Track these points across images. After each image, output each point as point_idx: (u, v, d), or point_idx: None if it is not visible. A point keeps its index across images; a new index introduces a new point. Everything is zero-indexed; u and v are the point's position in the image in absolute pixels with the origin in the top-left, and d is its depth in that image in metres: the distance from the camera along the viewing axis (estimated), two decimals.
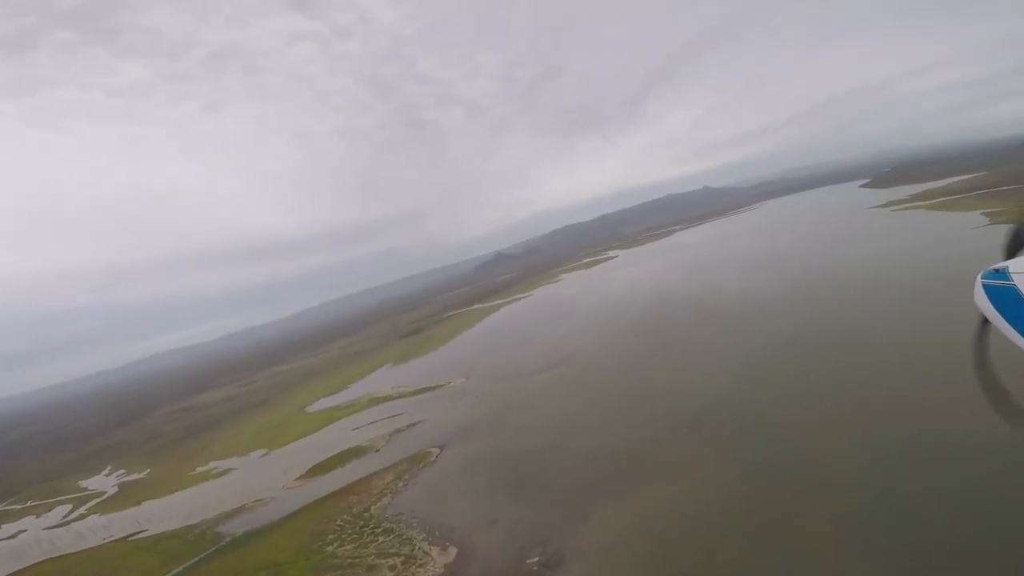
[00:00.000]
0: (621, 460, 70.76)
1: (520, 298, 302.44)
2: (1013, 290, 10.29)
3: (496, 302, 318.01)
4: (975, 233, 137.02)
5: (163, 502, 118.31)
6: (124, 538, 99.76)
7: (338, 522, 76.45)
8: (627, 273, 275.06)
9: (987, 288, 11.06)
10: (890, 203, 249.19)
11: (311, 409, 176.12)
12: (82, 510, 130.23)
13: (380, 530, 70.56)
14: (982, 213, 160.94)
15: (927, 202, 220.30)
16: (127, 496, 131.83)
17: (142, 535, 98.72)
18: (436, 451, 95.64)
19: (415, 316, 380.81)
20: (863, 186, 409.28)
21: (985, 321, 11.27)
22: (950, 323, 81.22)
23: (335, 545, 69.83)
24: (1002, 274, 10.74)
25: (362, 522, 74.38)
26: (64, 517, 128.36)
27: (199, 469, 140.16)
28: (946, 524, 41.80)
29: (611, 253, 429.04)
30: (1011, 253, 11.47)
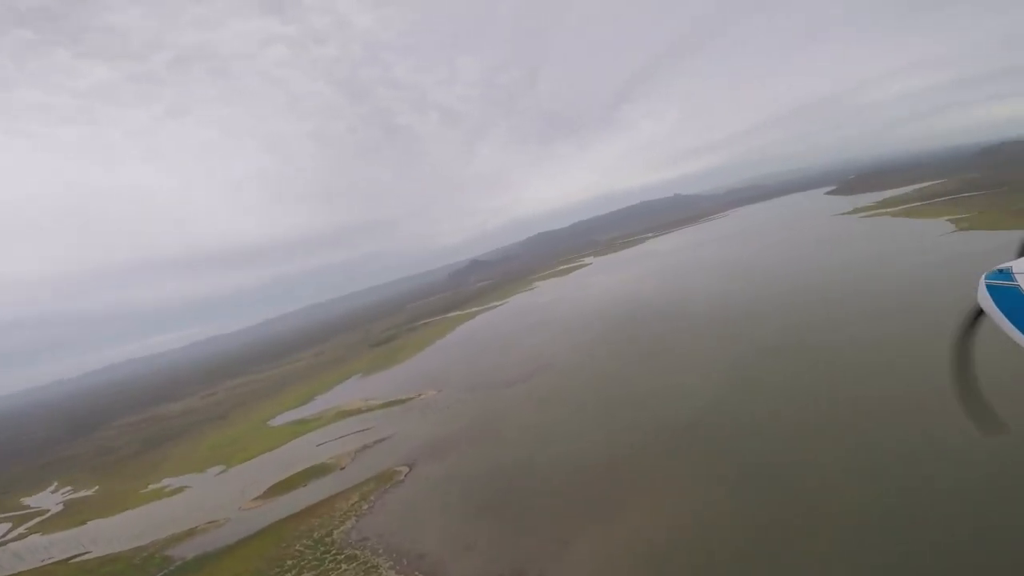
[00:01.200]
0: (603, 477, 67.35)
1: (495, 306, 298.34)
2: (1017, 290, 10.08)
3: (471, 310, 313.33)
4: (944, 240, 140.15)
5: (111, 522, 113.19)
6: (66, 560, 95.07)
7: (297, 547, 72.11)
8: (601, 280, 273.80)
9: (991, 288, 10.74)
10: (857, 209, 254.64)
11: (274, 423, 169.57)
12: (22, 529, 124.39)
13: (343, 557, 66.28)
14: (947, 220, 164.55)
15: (893, 208, 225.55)
16: (72, 514, 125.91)
17: (85, 557, 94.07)
18: (405, 469, 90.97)
19: (388, 324, 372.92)
20: (829, 193, 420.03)
21: (973, 321, 11.06)
22: (931, 326, 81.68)
23: (293, 572, 65.73)
24: (1006, 274, 10.49)
25: (323, 547, 70.02)
26: (2, 536, 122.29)
27: (151, 486, 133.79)
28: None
29: (585, 260, 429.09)
30: None
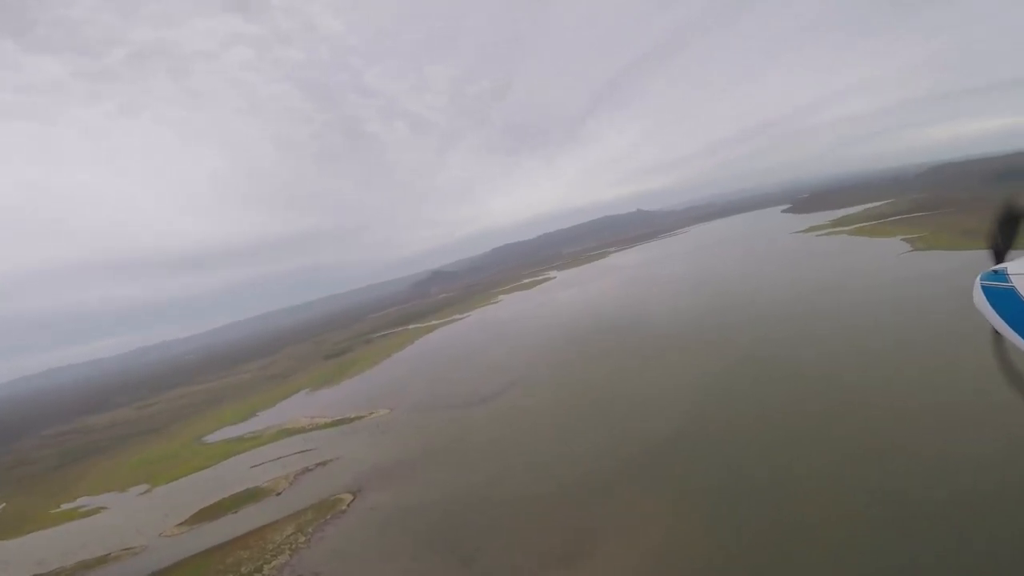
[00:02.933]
0: (569, 511, 61.15)
1: (457, 319, 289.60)
2: (1012, 291, 10.20)
3: (432, 322, 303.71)
4: (904, 259, 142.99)
5: (12, 545, 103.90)
6: None
7: None
8: (566, 295, 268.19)
9: (986, 290, 10.91)
10: (812, 228, 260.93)
11: (210, 439, 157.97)
12: None
13: None
14: (902, 239, 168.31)
15: (847, 227, 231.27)
16: None
17: None
18: (349, 498, 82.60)
19: (343, 336, 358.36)
20: (785, 211, 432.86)
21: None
22: (908, 342, 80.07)
23: None
24: (1001, 275, 10.60)
25: None
26: None
27: (65, 506, 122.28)
28: None
29: (550, 274, 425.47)
30: (1002, 233, 10.87)
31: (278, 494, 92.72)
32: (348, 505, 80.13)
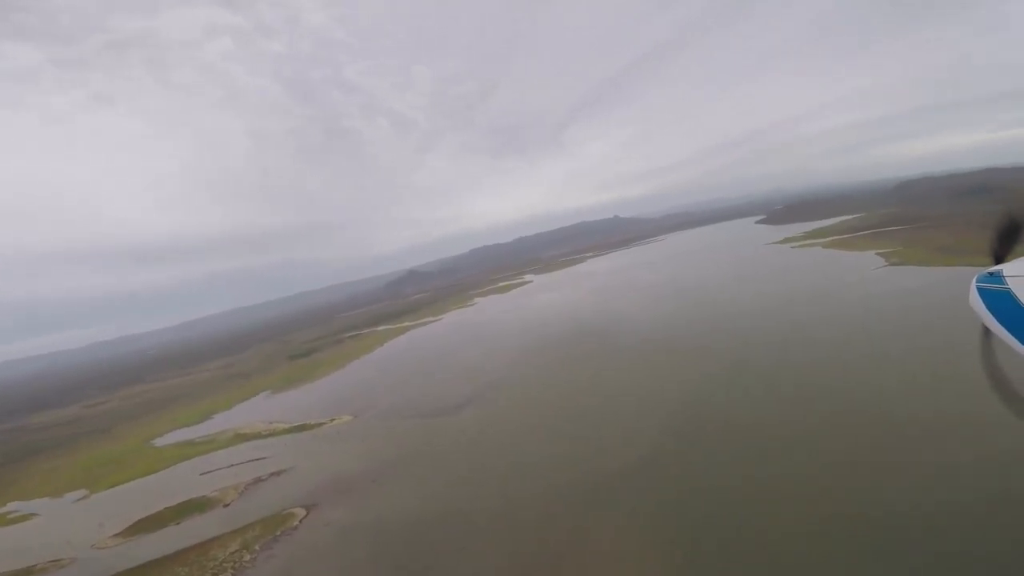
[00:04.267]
0: (540, 537, 56.56)
1: (430, 321, 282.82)
2: (1008, 294, 10.16)
3: (403, 324, 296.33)
4: (880, 273, 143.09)
5: None
6: None
7: None
8: (542, 300, 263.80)
9: (981, 292, 10.96)
10: (787, 240, 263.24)
11: (160, 442, 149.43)
12: None
13: None
14: (876, 253, 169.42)
15: (822, 240, 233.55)
16: None
17: None
18: (302, 513, 76.91)
19: (311, 335, 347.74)
20: (759, 222, 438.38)
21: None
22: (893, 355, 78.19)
23: None
24: (996, 278, 10.64)
25: None
26: None
27: None
28: None
29: (527, 277, 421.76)
30: (1001, 243, 11.13)
31: (226, 505, 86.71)
32: (300, 521, 74.47)
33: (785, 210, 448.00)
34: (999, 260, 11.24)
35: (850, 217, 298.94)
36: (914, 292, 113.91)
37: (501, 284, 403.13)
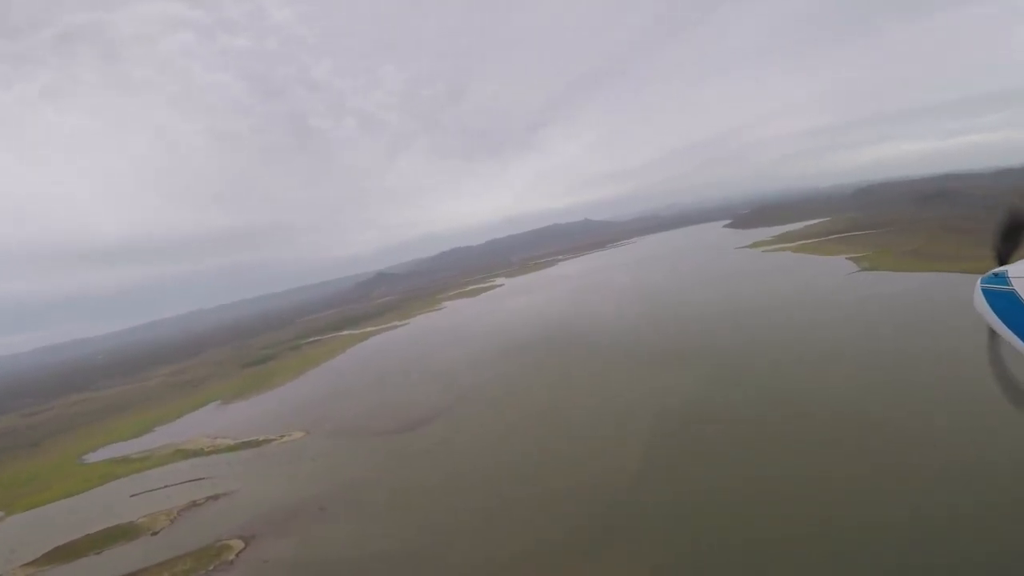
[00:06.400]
0: None
1: (396, 326, 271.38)
2: (1012, 295, 10.17)
3: (367, 329, 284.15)
4: (856, 279, 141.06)
5: None
6: None
7: None
8: (512, 304, 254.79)
9: (986, 292, 10.89)
10: (757, 244, 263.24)
11: (92, 457, 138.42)
12: None
13: None
14: (846, 258, 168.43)
15: (791, 244, 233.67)
16: None
17: None
18: (239, 545, 68.43)
19: (269, 340, 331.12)
20: (726, 226, 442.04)
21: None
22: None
23: None
24: (1001, 278, 10.58)
25: None
26: None
27: None
28: None
29: (498, 280, 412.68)
30: (1006, 240, 10.93)
31: (155, 533, 78.79)
32: (236, 555, 66.36)
33: (751, 214, 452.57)
34: (1003, 261, 10.85)
35: (815, 222, 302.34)
36: (893, 297, 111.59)
37: (471, 288, 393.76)
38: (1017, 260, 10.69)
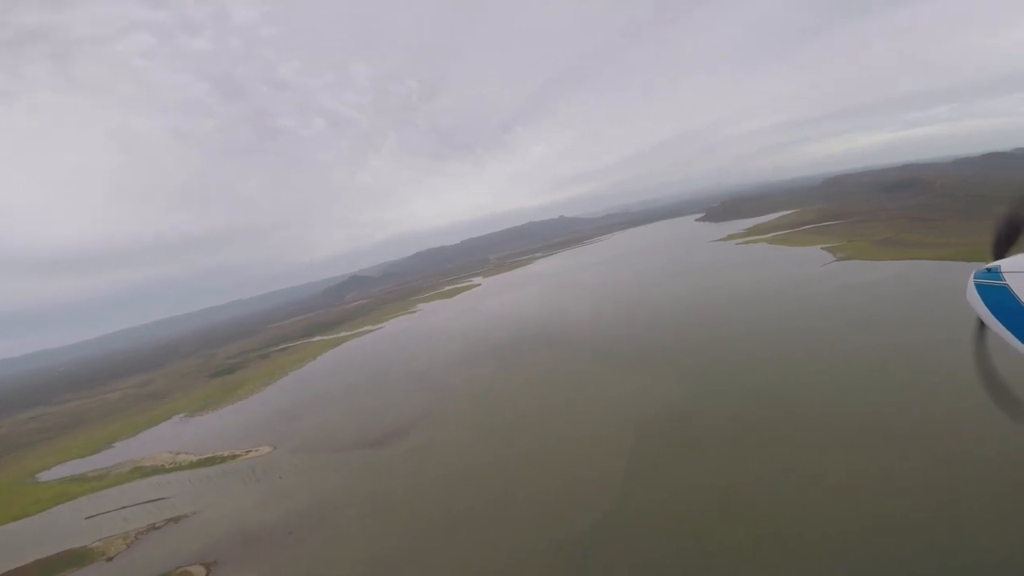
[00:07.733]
0: None
1: (370, 331, 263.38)
2: (1005, 289, 10.08)
3: (339, 334, 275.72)
4: (834, 268, 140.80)
5: None
6: None
7: None
8: (490, 304, 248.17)
9: (979, 287, 10.84)
10: (731, 236, 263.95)
11: (45, 476, 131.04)
12: None
13: None
14: (822, 248, 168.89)
15: (765, 236, 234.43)
16: None
17: None
18: (201, 572, 64.08)
19: (238, 348, 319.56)
20: (699, 220, 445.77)
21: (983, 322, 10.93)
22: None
23: None
24: (994, 273, 10.51)
25: None
26: None
27: None
28: None
29: (475, 280, 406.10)
30: (1003, 239, 10.84)
31: (109, 559, 73.89)
32: None
33: (722, 208, 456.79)
34: (998, 256, 10.70)
35: (785, 213, 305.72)
36: (876, 285, 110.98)
37: (447, 288, 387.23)
38: (1012, 256, 10.57)
